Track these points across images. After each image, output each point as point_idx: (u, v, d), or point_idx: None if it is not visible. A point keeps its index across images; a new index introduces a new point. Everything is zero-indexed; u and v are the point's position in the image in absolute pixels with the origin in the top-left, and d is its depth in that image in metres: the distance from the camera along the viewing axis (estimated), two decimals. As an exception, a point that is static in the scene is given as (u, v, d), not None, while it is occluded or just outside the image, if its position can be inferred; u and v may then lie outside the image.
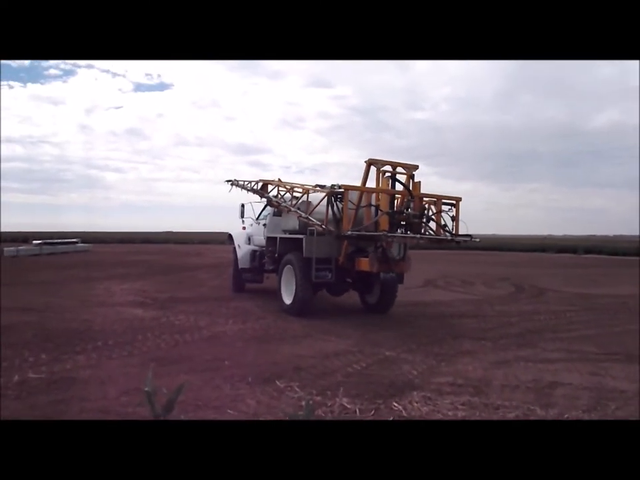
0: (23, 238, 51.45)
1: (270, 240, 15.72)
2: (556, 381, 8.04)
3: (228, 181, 19.26)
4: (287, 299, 14.11)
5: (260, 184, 17.67)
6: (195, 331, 11.02)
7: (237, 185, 18.98)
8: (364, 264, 12.72)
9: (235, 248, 18.30)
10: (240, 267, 17.77)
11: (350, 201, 12.33)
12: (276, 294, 14.86)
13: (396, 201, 12.90)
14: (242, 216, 18.15)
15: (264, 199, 17.40)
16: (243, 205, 18.09)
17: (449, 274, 27.54)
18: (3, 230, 65.95)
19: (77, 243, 44.31)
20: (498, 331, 12.35)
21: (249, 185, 18.51)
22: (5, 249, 34.25)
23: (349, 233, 11.98)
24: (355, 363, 8.82)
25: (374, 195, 12.87)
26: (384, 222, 12.21)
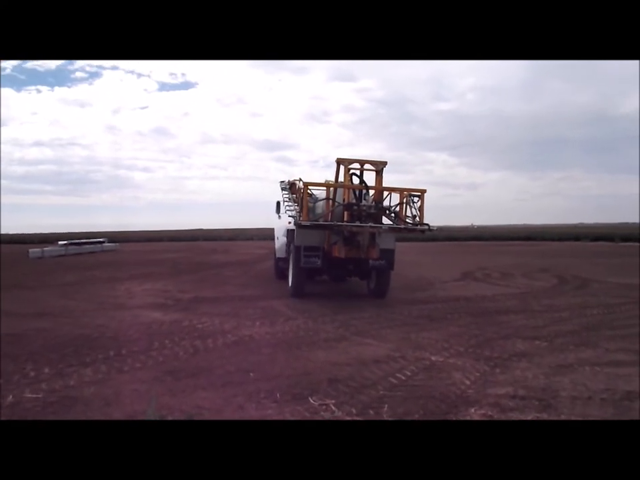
0: (55, 239, 50.84)
1: (287, 232, 17.60)
2: (632, 390, 6.94)
3: (282, 182, 19.45)
4: (290, 282, 16.14)
5: (289, 183, 18.82)
6: (219, 336, 10.03)
7: (284, 188, 19.48)
8: (335, 250, 14.56)
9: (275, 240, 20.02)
10: (277, 256, 19.57)
11: (310, 194, 14.58)
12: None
13: (355, 195, 14.31)
14: (277, 211, 19.26)
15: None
16: (278, 202, 19.06)
17: (485, 265, 26.33)
18: (34, 232, 65.69)
19: (103, 242, 43.46)
20: (551, 328, 11.23)
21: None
22: (30, 250, 33.54)
23: (301, 222, 13.93)
24: (398, 371, 7.75)
25: (341, 190, 14.53)
26: (346, 213, 14.06)
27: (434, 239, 57.87)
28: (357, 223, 13.76)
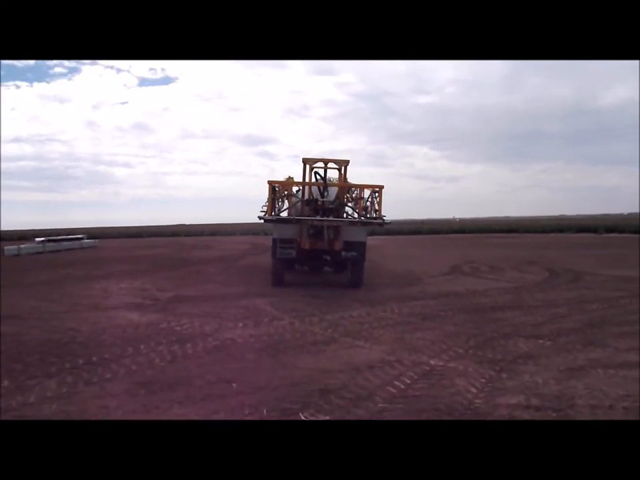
0: (33, 236, 49.71)
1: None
2: (656, 397, 6.30)
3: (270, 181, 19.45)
4: (271, 272, 17.07)
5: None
6: (198, 340, 9.27)
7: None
8: (302, 242, 15.94)
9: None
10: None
11: (274, 192, 16.27)
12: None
13: (319, 191, 16.17)
14: None
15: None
16: None
17: (472, 259, 25.74)
18: (12, 228, 64.24)
19: (82, 239, 42.41)
20: (551, 325, 10.60)
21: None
22: (6, 247, 32.39)
23: (265, 216, 16.23)
24: (396, 378, 7.06)
25: (307, 187, 16.57)
26: (308, 208, 15.83)
27: (417, 232, 57.81)
28: (318, 217, 15.57)
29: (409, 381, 6.94)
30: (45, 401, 6.19)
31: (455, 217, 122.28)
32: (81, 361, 7.84)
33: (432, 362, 7.86)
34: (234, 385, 6.77)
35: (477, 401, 6.22)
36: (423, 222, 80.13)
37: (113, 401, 6.14)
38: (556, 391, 6.57)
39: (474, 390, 6.61)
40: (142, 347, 8.72)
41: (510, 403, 6.11)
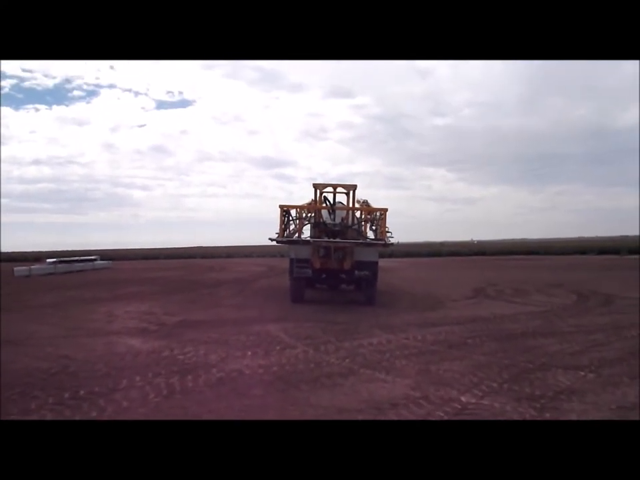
0: (49, 257, 49.31)
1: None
2: None
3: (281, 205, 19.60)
4: (290, 290, 18.12)
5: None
6: (202, 371, 8.40)
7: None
8: (314, 262, 17.09)
9: None
10: None
11: (285, 215, 17.47)
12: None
13: (329, 214, 17.60)
14: None
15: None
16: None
17: (495, 281, 24.87)
18: (31, 250, 64.12)
19: (95, 260, 41.80)
20: (590, 355, 9.66)
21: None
22: (16, 268, 31.81)
23: (276, 238, 17.49)
24: (423, 419, 6.12)
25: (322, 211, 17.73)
26: (317, 230, 17.35)
27: (436, 254, 57.11)
28: (325, 239, 16.98)
29: (438, 423, 6.02)
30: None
31: (473, 239, 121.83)
32: (66, 395, 7.02)
33: (463, 399, 6.97)
34: (236, 427, 5.88)
35: (521, 449, 5.31)
36: (442, 244, 79.61)
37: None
38: (612, 436, 5.64)
39: (515, 435, 5.68)
40: (138, 378, 7.88)
41: (560, 453, 5.19)
